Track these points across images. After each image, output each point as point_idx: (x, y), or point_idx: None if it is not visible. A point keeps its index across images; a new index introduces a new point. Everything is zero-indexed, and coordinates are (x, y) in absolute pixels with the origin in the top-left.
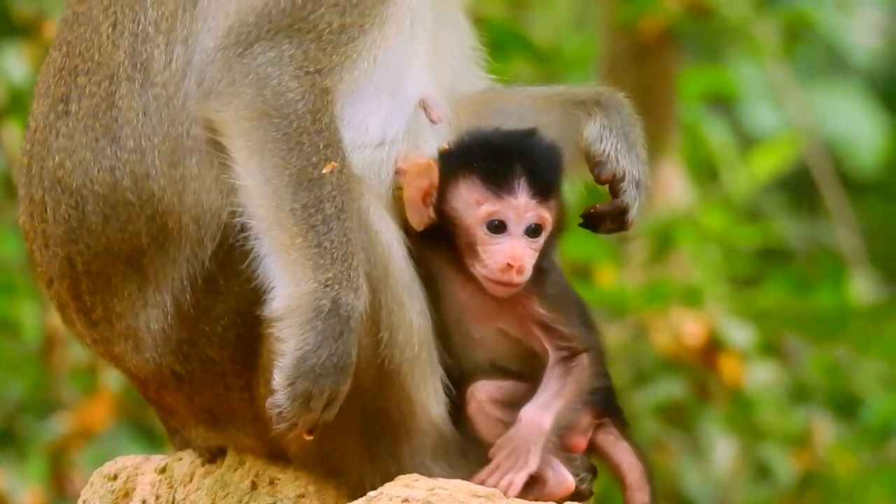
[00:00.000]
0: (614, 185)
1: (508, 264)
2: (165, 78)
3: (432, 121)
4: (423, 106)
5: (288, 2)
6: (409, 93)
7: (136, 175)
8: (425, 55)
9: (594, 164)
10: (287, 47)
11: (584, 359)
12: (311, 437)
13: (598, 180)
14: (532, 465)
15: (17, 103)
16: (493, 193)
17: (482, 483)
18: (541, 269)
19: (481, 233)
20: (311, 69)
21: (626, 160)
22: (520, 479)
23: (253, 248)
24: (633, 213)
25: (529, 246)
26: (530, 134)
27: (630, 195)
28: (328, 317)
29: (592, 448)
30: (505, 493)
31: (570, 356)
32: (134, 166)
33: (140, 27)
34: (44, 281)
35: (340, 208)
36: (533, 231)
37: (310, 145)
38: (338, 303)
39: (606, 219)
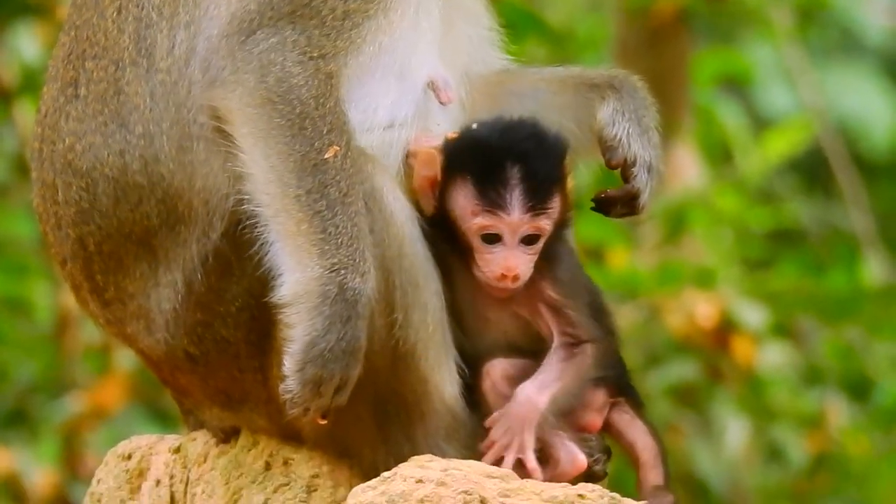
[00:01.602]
0: (626, 170)
1: (503, 274)
2: (169, 63)
3: (441, 102)
4: (433, 87)
5: None
6: (417, 75)
7: (146, 158)
8: (435, 38)
9: (606, 148)
10: (290, 33)
11: (588, 349)
12: (324, 422)
13: (609, 165)
14: (526, 447)
15: (30, 83)
16: (486, 209)
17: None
18: (553, 253)
19: (476, 241)
20: (315, 54)
21: (637, 144)
22: (509, 461)
23: (261, 234)
24: (644, 198)
25: (526, 252)
26: (530, 131)
27: (641, 180)
28: (335, 302)
29: (607, 427)
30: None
31: (574, 343)
32: (143, 150)
33: (144, 12)
34: (58, 262)
35: (345, 192)
36: (529, 239)
37: (313, 130)
38: (344, 287)
39: (618, 203)
